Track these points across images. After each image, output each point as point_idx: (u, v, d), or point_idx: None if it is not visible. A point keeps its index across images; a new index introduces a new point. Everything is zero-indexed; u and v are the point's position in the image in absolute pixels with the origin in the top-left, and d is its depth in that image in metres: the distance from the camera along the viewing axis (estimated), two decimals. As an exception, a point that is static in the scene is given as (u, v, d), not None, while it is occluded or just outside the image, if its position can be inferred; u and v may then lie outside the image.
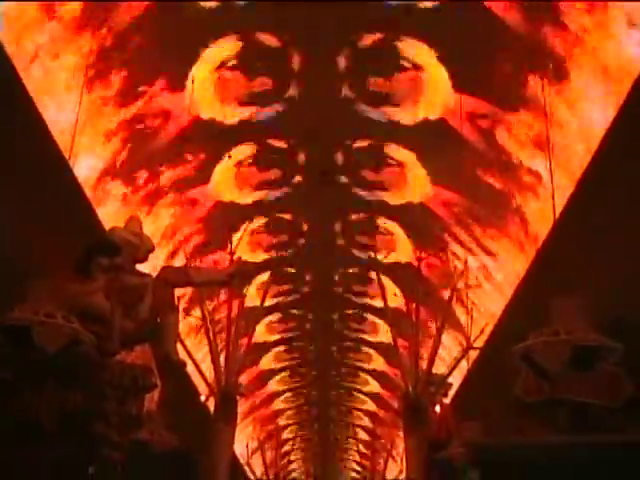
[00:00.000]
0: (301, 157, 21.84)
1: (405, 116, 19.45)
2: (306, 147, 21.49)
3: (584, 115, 14.93)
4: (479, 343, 22.87)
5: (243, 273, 13.74)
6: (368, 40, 17.54)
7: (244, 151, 21.18)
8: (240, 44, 17.60)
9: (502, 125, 17.58)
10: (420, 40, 17.16)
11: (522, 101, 16.59)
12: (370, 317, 31.20)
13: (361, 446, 48.24)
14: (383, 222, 24.64)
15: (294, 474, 56.92)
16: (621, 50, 13.27)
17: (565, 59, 14.77)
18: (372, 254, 25.80)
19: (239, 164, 21.50)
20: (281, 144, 21.31)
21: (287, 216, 24.85)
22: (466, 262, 22.74)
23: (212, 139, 19.86)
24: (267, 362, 35.10)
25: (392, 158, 21.35)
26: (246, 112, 19.61)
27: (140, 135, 17.99)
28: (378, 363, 34.91)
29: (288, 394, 40.72)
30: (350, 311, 31.43)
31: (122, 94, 16.60)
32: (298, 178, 22.49)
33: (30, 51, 13.72)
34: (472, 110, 17.88)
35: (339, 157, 21.75)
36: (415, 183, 21.84)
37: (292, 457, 51.24)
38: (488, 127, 17.97)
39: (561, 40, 14.66)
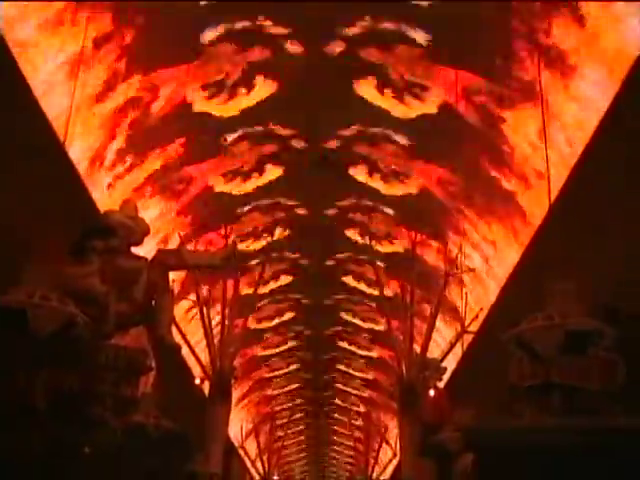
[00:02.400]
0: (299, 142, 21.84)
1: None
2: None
3: (582, 99, 14.88)
4: (474, 327, 22.95)
5: (237, 256, 13.78)
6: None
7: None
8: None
9: (500, 110, 17.52)
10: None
11: (519, 86, 16.54)
12: (366, 302, 31.24)
13: (355, 430, 48.44)
14: (380, 206, 24.60)
15: (288, 458, 57.18)
16: (620, 33, 13.21)
17: (564, 43, 14.70)
18: (368, 240, 25.89)
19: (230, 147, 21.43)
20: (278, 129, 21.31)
21: (282, 200, 24.84)
22: (461, 247, 22.78)
23: (205, 123, 19.81)
24: (260, 346, 35.13)
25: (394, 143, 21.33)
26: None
27: (133, 118, 17.95)
28: (374, 347, 34.97)
29: (281, 378, 40.73)
30: (345, 296, 31.46)
31: (117, 77, 16.54)
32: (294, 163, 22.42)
33: (26, 35, 13.64)
34: (471, 94, 17.83)
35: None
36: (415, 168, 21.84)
37: (286, 441, 51.41)
38: (488, 111, 17.91)
39: (561, 26, 14.60)
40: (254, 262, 26.47)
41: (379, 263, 26.37)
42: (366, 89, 19.39)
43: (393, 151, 21.58)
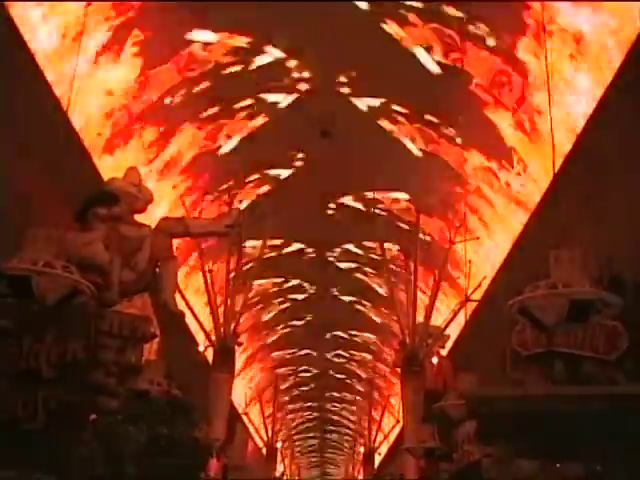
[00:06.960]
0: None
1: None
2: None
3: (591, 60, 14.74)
4: (477, 296, 22.96)
5: (241, 224, 13.80)
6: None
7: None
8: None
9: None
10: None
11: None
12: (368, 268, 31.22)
13: (358, 397, 48.58)
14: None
15: (291, 424, 57.42)
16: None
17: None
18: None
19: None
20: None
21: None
22: (465, 215, 22.72)
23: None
24: (264, 311, 35.07)
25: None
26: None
27: (141, 82, 17.85)
28: (376, 314, 34.95)
29: (285, 344, 40.69)
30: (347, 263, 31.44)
31: (121, 42, 16.42)
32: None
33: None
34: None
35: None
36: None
37: (289, 407, 51.59)
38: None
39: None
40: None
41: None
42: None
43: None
